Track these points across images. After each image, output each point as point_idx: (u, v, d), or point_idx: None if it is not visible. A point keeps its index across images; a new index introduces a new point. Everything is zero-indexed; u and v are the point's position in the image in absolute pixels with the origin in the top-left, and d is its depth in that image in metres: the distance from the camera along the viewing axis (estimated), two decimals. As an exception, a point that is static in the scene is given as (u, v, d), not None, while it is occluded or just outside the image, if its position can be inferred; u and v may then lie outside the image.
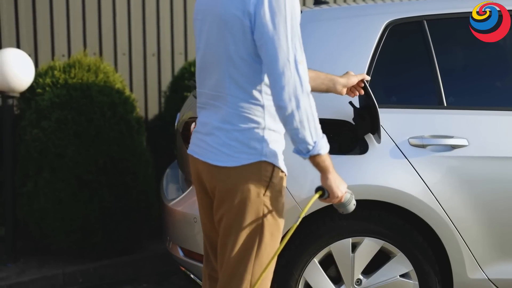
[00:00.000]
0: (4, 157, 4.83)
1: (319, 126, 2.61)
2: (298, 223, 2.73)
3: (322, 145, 2.61)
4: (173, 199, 3.85)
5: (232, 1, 2.63)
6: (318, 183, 2.72)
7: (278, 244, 2.77)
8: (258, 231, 2.71)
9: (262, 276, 2.74)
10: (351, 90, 3.21)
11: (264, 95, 2.68)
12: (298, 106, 2.56)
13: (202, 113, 2.84)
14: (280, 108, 2.58)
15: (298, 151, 2.64)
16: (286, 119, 2.58)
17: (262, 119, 2.68)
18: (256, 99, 2.67)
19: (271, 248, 2.75)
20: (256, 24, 2.60)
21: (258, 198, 2.68)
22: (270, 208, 2.71)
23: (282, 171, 2.74)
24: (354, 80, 3.15)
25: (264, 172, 2.68)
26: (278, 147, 2.71)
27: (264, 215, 2.70)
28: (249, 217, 2.69)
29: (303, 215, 2.74)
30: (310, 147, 2.60)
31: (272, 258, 2.75)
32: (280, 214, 2.75)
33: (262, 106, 2.68)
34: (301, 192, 3.38)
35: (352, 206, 2.78)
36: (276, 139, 2.70)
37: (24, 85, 4.75)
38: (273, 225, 2.73)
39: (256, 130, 2.67)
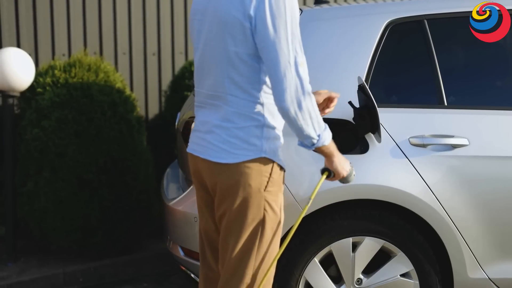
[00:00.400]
0: (4, 156, 4.83)
1: (321, 119, 2.69)
2: (309, 204, 2.84)
3: (325, 137, 2.71)
4: (173, 199, 3.86)
5: (233, 3, 2.67)
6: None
7: (279, 239, 2.83)
8: (259, 226, 2.76)
9: (267, 276, 2.80)
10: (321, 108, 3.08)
11: (263, 93, 2.73)
12: (300, 107, 2.63)
13: (201, 112, 2.88)
14: (283, 109, 2.65)
15: (303, 145, 2.74)
16: (290, 119, 2.66)
17: (261, 116, 2.73)
18: (255, 98, 2.72)
19: (272, 243, 2.80)
20: (257, 27, 2.64)
21: (260, 193, 2.74)
22: (271, 203, 2.77)
23: (281, 167, 2.80)
24: (318, 98, 3.03)
25: (265, 167, 2.74)
26: (277, 144, 2.77)
27: (265, 210, 2.76)
28: (251, 213, 2.74)
29: (313, 196, 2.84)
30: (315, 141, 2.70)
31: (278, 254, 2.81)
32: (280, 209, 2.81)
33: (261, 104, 2.73)
34: (299, 189, 3.37)
35: (352, 177, 2.90)
36: (275, 136, 2.76)
37: (24, 84, 4.75)
38: (274, 220, 2.78)
39: (256, 127, 2.73)
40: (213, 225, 2.93)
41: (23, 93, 4.92)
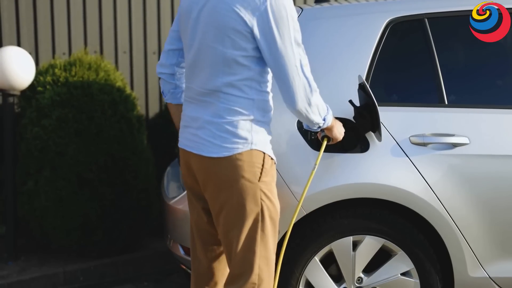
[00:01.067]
0: (4, 155, 4.83)
1: (324, 104, 2.87)
2: (315, 169, 3.10)
3: (329, 118, 2.94)
4: (173, 197, 3.86)
5: (233, 8, 2.73)
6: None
7: (277, 227, 2.94)
8: (259, 216, 2.86)
9: (277, 271, 2.98)
10: None
11: (255, 90, 2.83)
12: (310, 105, 2.80)
13: (191, 107, 2.94)
14: (295, 111, 2.81)
15: (309, 128, 2.99)
16: (301, 116, 2.84)
17: (250, 111, 2.83)
18: (247, 94, 2.82)
19: (272, 231, 2.90)
20: (260, 33, 2.72)
21: (254, 184, 2.83)
22: (266, 192, 2.87)
23: (272, 158, 2.91)
24: None
25: (256, 159, 2.83)
26: (266, 137, 2.89)
27: (262, 200, 2.85)
28: (249, 204, 2.83)
29: (318, 162, 3.12)
30: (321, 124, 2.93)
31: (282, 246, 3.00)
32: (275, 198, 2.92)
33: (252, 100, 2.83)
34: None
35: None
36: (264, 129, 2.88)
37: (24, 83, 4.75)
38: (271, 209, 2.89)
39: (245, 122, 2.82)
40: (205, 216, 3.01)
41: (23, 92, 4.92)
